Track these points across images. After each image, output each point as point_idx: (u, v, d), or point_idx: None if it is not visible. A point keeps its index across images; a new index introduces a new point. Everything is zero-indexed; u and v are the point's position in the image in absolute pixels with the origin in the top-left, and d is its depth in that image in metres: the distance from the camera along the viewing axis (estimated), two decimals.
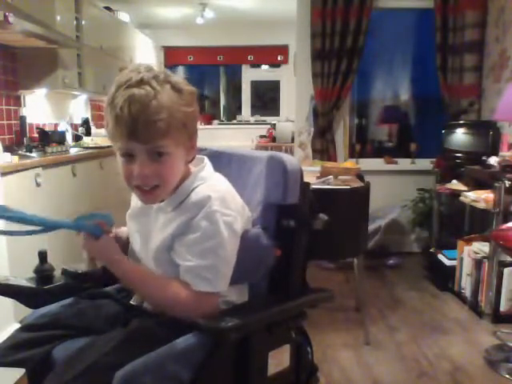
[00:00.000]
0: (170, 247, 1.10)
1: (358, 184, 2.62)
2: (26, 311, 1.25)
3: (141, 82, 1.01)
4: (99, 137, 4.05)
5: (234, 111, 7.58)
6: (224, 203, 1.08)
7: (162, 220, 1.14)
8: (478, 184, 3.02)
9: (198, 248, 1.06)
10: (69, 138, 3.84)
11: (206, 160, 1.19)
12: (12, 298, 1.31)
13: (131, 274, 1.11)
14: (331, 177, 2.63)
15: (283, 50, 6.82)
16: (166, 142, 1.03)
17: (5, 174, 2.29)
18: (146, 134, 1.00)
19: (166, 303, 1.08)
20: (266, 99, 7.46)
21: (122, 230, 1.27)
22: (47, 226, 1.08)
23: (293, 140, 4.82)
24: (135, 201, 1.24)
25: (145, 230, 1.18)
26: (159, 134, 1.01)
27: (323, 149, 3.91)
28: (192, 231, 1.07)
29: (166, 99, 1.02)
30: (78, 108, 4.49)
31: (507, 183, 2.60)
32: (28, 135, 3.41)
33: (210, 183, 1.12)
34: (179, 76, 1.11)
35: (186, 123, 1.06)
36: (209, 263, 1.06)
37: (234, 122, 7.24)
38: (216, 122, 7.18)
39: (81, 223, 1.09)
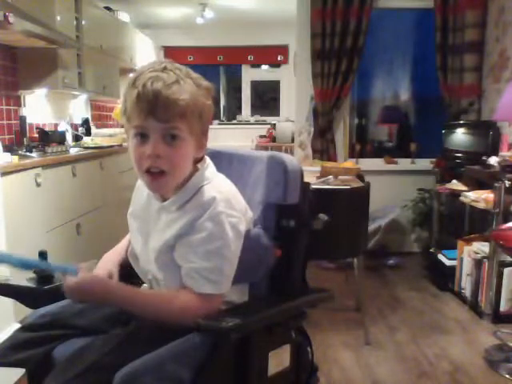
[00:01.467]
0: (173, 247, 1.09)
1: (358, 184, 2.62)
2: (26, 311, 1.25)
3: (165, 69, 1.04)
4: (99, 137, 4.06)
5: (233, 111, 7.58)
6: (229, 204, 1.08)
7: (164, 220, 1.13)
8: (478, 184, 3.02)
9: (203, 249, 1.05)
10: (69, 138, 3.84)
11: (209, 160, 1.18)
12: (12, 298, 1.31)
13: (131, 299, 1.07)
14: (331, 177, 2.63)
15: (283, 50, 6.82)
16: (181, 125, 1.04)
17: (5, 173, 2.28)
18: (164, 111, 1.01)
19: (174, 316, 1.06)
20: (266, 99, 7.46)
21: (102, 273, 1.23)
22: (26, 267, 1.08)
23: (293, 140, 4.82)
24: (137, 199, 1.24)
25: (146, 229, 1.18)
26: (177, 113, 1.02)
27: (323, 149, 3.91)
28: (196, 232, 1.06)
29: (188, 86, 1.04)
30: (78, 108, 4.49)
31: (507, 183, 2.60)
32: (28, 135, 3.40)
33: (214, 183, 1.12)
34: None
35: (202, 114, 1.07)
36: (213, 265, 1.05)
37: (234, 121, 7.24)
38: (216, 122, 7.18)
39: (54, 264, 1.07)
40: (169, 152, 1.04)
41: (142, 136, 1.04)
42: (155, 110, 1.01)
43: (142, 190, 1.21)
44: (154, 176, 1.06)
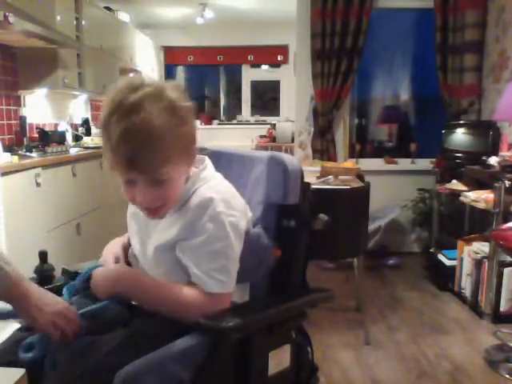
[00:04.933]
0: (173, 248, 1.09)
1: (358, 184, 2.62)
2: None
3: (134, 107, 0.98)
4: (99, 137, 4.05)
5: (233, 111, 7.58)
6: (227, 204, 1.09)
7: (163, 222, 1.13)
8: (478, 184, 3.02)
9: (207, 250, 1.06)
10: (69, 138, 3.84)
11: (208, 160, 1.18)
12: None
13: (141, 286, 1.10)
14: (331, 177, 2.63)
15: (283, 50, 6.81)
16: (166, 170, 1.02)
17: (5, 173, 2.29)
18: (145, 164, 1.00)
19: (181, 309, 1.07)
20: (266, 99, 7.46)
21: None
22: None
23: (293, 140, 4.82)
24: None
25: (145, 231, 1.18)
26: (159, 162, 1.00)
27: (323, 149, 3.91)
28: (198, 234, 1.06)
29: (162, 124, 0.99)
30: (78, 108, 4.49)
31: (507, 183, 2.60)
32: (28, 135, 3.41)
33: (211, 184, 1.12)
34: (176, 85, 1.07)
35: (184, 144, 1.04)
36: (219, 265, 1.06)
37: (234, 121, 7.23)
38: (216, 121, 7.18)
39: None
40: (159, 192, 1.04)
41: (130, 182, 1.04)
42: (135, 165, 0.99)
43: None
44: (150, 211, 1.09)
